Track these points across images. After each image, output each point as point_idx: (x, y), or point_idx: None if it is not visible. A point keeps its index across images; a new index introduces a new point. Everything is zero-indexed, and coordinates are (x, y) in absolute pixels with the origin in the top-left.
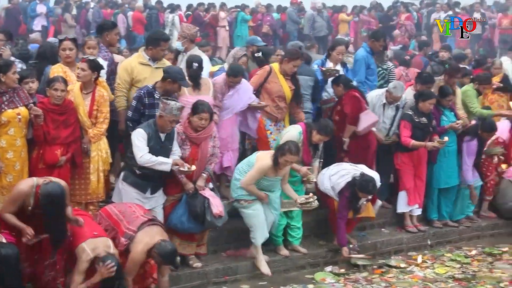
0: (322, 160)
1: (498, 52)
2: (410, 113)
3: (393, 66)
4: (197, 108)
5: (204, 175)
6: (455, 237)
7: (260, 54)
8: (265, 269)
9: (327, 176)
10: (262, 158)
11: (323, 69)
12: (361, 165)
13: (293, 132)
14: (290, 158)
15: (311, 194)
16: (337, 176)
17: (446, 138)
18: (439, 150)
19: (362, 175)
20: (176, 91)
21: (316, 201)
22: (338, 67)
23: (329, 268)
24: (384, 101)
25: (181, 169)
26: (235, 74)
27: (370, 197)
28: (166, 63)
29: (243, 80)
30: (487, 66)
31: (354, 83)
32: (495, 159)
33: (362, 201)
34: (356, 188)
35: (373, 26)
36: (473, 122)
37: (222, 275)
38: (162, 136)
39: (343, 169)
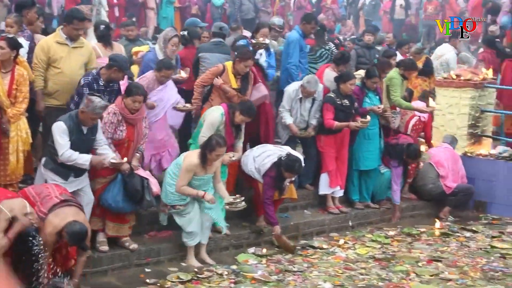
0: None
1: (421, 37)
2: (332, 95)
3: (334, 47)
4: (130, 90)
5: (138, 154)
6: (376, 218)
7: (185, 33)
8: (195, 263)
9: (251, 158)
10: (189, 157)
11: (253, 41)
12: (286, 146)
13: (215, 113)
14: (220, 151)
15: (237, 196)
16: (261, 157)
17: (368, 118)
18: (359, 132)
19: (288, 155)
20: (120, 79)
21: (243, 202)
22: (266, 40)
23: (252, 250)
24: (300, 95)
25: (113, 161)
26: (167, 67)
27: (294, 178)
28: (85, 43)
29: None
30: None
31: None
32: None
33: (287, 181)
34: (282, 168)
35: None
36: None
37: (144, 256)
38: (85, 128)
39: (268, 149)
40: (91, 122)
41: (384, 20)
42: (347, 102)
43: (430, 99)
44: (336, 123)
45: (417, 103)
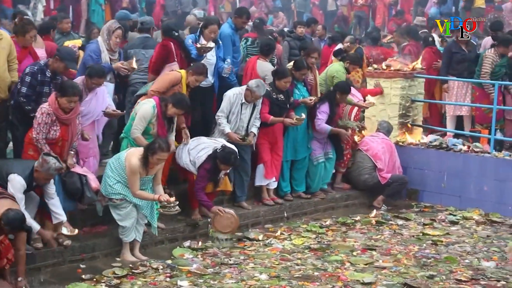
0: None
1: (352, 29)
2: (269, 89)
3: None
4: (66, 90)
5: (72, 152)
6: (311, 208)
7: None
8: (130, 258)
9: (186, 151)
10: (131, 158)
11: (198, 45)
12: (220, 139)
13: (146, 106)
14: (162, 155)
15: (173, 199)
16: (196, 150)
17: (303, 115)
18: None
19: (224, 147)
20: (62, 70)
21: (177, 207)
22: (211, 44)
23: (187, 243)
24: (243, 100)
25: (64, 232)
26: (100, 75)
27: (229, 170)
28: (3, 34)
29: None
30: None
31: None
32: (349, 132)
33: (222, 173)
34: (218, 160)
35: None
36: None
37: (79, 252)
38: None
39: (202, 142)
40: (43, 182)
41: (315, 12)
42: (283, 97)
43: (369, 96)
44: (272, 118)
45: (357, 96)
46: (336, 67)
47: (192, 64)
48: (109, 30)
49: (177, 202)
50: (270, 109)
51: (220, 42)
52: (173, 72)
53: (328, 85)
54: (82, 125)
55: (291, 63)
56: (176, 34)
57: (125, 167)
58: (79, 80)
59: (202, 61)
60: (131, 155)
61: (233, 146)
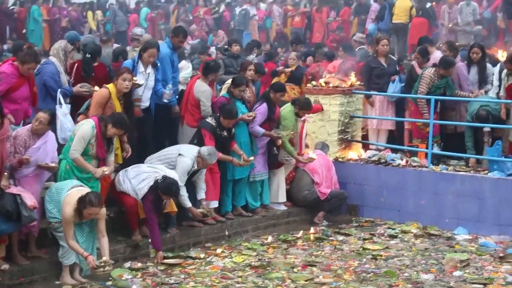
0: None
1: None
2: (213, 124)
3: None
4: None
5: (6, 173)
6: (252, 226)
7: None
8: (70, 281)
9: (127, 180)
10: (65, 207)
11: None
12: (160, 166)
13: (85, 126)
14: (93, 210)
15: (106, 258)
16: (137, 180)
17: (251, 158)
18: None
19: (164, 178)
20: None
21: (111, 266)
22: (149, 68)
23: (128, 264)
24: (196, 167)
25: None
26: (52, 119)
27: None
28: None
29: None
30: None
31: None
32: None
33: (165, 201)
34: (160, 191)
35: None
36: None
37: (17, 277)
38: None
39: (143, 172)
40: None
41: (252, 29)
42: (226, 134)
43: (311, 151)
44: (220, 155)
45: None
46: (285, 113)
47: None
48: (66, 51)
49: (112, 262)
50: (214, 143)
51: (159, 65)
52: (99, 91)
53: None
54: (24, 174)
55: (229, 80)
56: (87, 54)
57: (61, 207)
58: (22, 131)
59: (141, 86)
60: (66, 204)
61: (174, 175)
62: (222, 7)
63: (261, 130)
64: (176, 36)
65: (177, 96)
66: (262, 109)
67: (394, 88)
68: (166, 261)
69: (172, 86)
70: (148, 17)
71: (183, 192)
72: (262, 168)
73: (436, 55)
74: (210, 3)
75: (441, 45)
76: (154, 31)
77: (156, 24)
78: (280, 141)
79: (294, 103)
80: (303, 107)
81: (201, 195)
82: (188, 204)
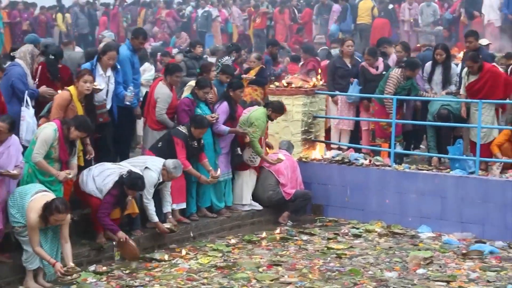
0: None
1: (253, 47)
2: (186, 133)
3: None
4: None
5: None
6: (217, 227)
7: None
8: (33, 286)
9: (91, 178)
10: (30, 212)
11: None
12: (124, 163)
13: (48, 130)
14: (60, 217)
15: (72, 265)
16: (101, 177)
17: (218, 172)
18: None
19: (130, 172)
20: None
21: (78, 273)
22: (109, 71)
23: (92, 267)
24: (161, 180)
25: None
26: (12, 127)
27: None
28: None
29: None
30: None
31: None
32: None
33: (129, 198)
34: (125, 186)
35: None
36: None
37: None
38: None
39: (107, 168)
40: None
41: (215, 31)
42: (196, 144)
43: (280, 154)
44: (190, 168)
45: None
46: (257, 114)
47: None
48: (33, 54)
49: (79, 270)
50: (186, 153)
51: (119, 67)
52: (60, 93)
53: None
54: None
55: (192, 82)
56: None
57: (25, 212)
58: None
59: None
60: (31, 209)
61: (138, 171)
62: (190, 9)
63: (226, 128)
64: (136, 38)
65: (141, 99)
66: (223, 108)
67: (353, 90)
68: (130, 242)
69: (134, 88)
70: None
71: (151, 207)
72: (225, 168)
73: (394, 56)
74: (171, 6)
75: (395, 46)
76: (118, 30)
77: (120, 24)
78: (248, 138)
79: (267, 106)
80: (276, 110)
81: (167, 208)
82: (155, 219)
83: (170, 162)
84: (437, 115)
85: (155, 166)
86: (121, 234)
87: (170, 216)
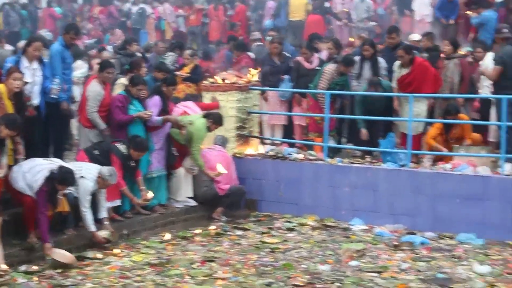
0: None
1: (188, 43)
2: (124, 152)
3: None
4: None
5: None
6: (151, 224)
7: None
8: None
9: (21, 174)
10: None
11: None
12: (56, 159)
13: None
14: None
15: (5, 267)
16: (32, 173)
17: (151, 194)
18: None
19: (60, 167)
20: None
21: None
22: (35, 64)
23: (23, 267)
24: (96, 187)
25: None
26: None
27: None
28: None
29: None
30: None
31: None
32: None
33: (60, 194)
34: (55, 181)
35: None
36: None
37: None
38: None
39: (37, 164)
40: None
41: (150, 28)
42: (134, 164)
43: (219, 165)
44: (125, 189)
45: (194, 109)
46: (198, 126)
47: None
48: None
49: (10, 271)
50: (122, 172)
51: (46, 60)
52: None
53: (188, 137)
54: None
55: (122, 79)
56: None
57: None
58: None
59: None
60: None
61: (69, 165)
62: (128, 6)
63: (160, 118)
64: (67, 33)
65: (72, 94)
66: (155, 101)
67: (285, 87)
68: (57, 252)
69: (66, 84)
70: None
71: (89, 216)
72: (158, 164)
73: (324, 52)
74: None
75: (327, 42)
76: (55, 30)
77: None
78: (184, 131)
79: (207, 117)
80: (216, 121)
81: (103, 214)
82: (93, 228)
83: (105, 170)
84: (369, 82)
85: (90, 174)
86: (47, 249)
87: (107, 222)
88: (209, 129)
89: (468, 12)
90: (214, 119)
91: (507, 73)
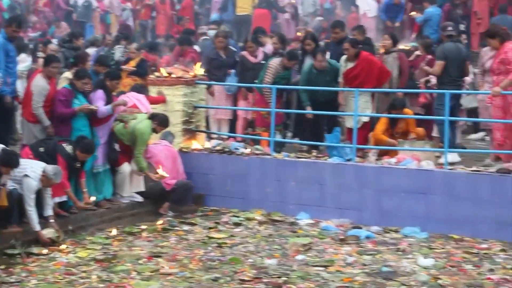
0: None
1: (136, 37)
2: (70, 153)
3: None
4: None
5: None
6: (97, 220)
7: None
8: None
9: None
10: None
11: None
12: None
13: None
14: None
15: None
16: None
17: (92, 199)
18: (76, 134)
19: (4, 149)
20: None
21: None
22: None
23: None
24: (40, 186)
25: None
26: None
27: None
28: None
29: None
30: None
31: None
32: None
33: (3, 179)
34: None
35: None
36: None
37: None
38: None
39: None
40: None
41: (96, 21)
42: (79, 165)
43: (160, 169)
44: (69, 190)
45: (142, 102)
46: (143, 128)
47: None
48: None
49: None
50: (67, 173)
51: None
52: None
53: (132, 138)
54: None
55: (67, 73)
56: None
57: None
58: None
59: None
60: None
61: (18, 177)
62: None
63: (108, 106)
64: (9, 26)
65: (17, 88)
66: (99, 94)
67: (231, 81)
68: None
69: (10, 77)
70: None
71: (34, 216)
72: (104, 159)
73: (268, 46)
74: None
75: (271, 37)
76: None
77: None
78: (127, 125)
79: (153, 118)
80: (162, 123)
81: (49, 211)
82: (37, 228)
83: (50, 168)
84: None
85: (34, 173)
86: None
87: (52, 221)
88: (155, 131)
89: (413, 13)
90: (160, 121)
91: (448, 69)
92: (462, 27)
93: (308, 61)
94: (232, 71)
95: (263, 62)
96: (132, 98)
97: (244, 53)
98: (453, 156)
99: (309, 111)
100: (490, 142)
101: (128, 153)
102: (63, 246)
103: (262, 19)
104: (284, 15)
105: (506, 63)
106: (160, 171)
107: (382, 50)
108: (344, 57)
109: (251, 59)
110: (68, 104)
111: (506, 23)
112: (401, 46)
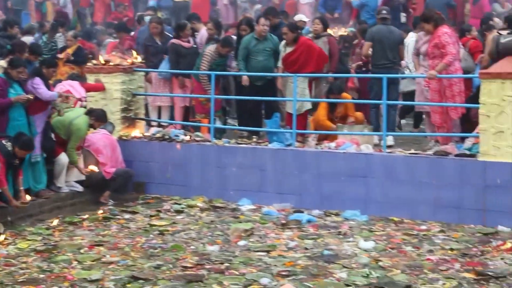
0: None
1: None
2: (9, 150)
3: None
4: None
5: None
6: (36, 210)
7: None
8: None
9: None
10: None
11: None
12: None
13: None
14: None
15: None
16: None
17: (28, 199)
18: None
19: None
20: None
21: None
22: None
23: None
24: None
25: None
26: None
27: None
28: None
29: None
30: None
31: None
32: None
33: None
34: None
35: None
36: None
37: None
38: None
39: None
40: None
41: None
42: (17, 162)
43: (91, 165)
44: (5, 188)
45: (78, 91)
46: (79, 124)
47: None
48: None
49: None
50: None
51: None
52: None
53: (68, 132)
54: None
55: (1, 62)
56: None
57: None
58: None
59: None
60: None
61: None
62: None
63: (55, 92)
64: None
65: None
66: (38, 81)
67: (164, 67)
68: None
69: None
70: None
71: None
72: (40, 148)
73: (202, 32)
74: None
75: (206, 23)
76: None
77: None
78: (62, 114)
79: (90, 114)
80: (99, 119)
81: None
82: None
83: None
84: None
85: None
86: None
87: None
88: (92, 126)
89: None
90: (97, 116)
91: (381, 51)
92: (403, 19)
93: None
94: (166, 56)
95: (195, 46)
96: (66, 84)
97: (175, 40)
98: (388, 139)
99: (245, 75)
100: (427, 125)
101: (65, 145)
102: (2, 238)
103: (200, 5)
104: (223, 0)
105: (440, 47)
106: (91, 166)
107: (312, 35)
108: (283, 42)
109: (185, 44)
110: (3, 94)
111: (439, 3)
112: (340, 32)
